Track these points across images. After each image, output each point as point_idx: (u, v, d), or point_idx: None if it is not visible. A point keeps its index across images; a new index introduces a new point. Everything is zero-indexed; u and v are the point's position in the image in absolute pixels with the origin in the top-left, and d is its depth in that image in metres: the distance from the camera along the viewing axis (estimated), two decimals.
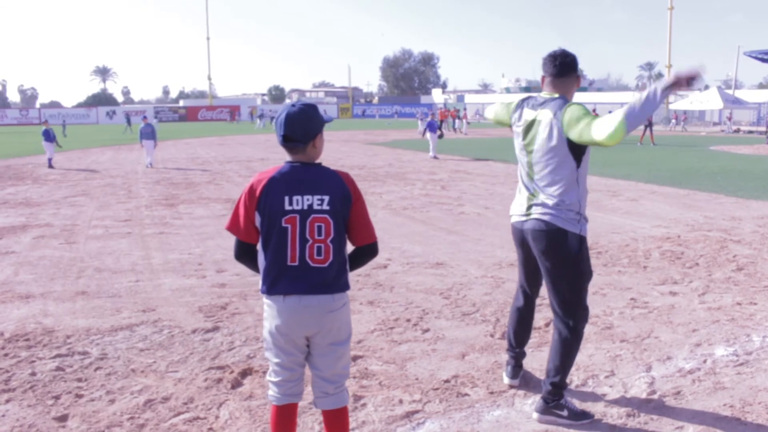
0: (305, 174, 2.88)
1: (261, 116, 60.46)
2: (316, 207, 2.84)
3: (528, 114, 3.86)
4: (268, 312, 2.93)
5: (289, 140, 2.84)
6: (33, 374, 4.49)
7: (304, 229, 2.83)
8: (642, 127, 32.49)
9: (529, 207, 3.86)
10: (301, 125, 2.84)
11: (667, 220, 10.43)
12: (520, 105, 3.99)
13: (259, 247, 2.94)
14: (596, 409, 3.93)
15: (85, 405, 4.03)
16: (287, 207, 2.82)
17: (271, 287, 2.88)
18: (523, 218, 3.92)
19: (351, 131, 46.54)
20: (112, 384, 4.34)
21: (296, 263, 2.84)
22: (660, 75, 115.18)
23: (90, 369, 4.59)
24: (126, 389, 4.25)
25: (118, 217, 11.23)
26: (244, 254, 2.99)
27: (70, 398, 4.12)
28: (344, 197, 2.88)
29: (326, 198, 2.85)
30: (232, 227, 2.94)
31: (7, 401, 4.09)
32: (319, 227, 2.85)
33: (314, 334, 2.91)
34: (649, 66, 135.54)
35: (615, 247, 8.38)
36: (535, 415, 3.81)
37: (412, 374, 4.47)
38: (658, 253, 8.01)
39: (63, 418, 3.86)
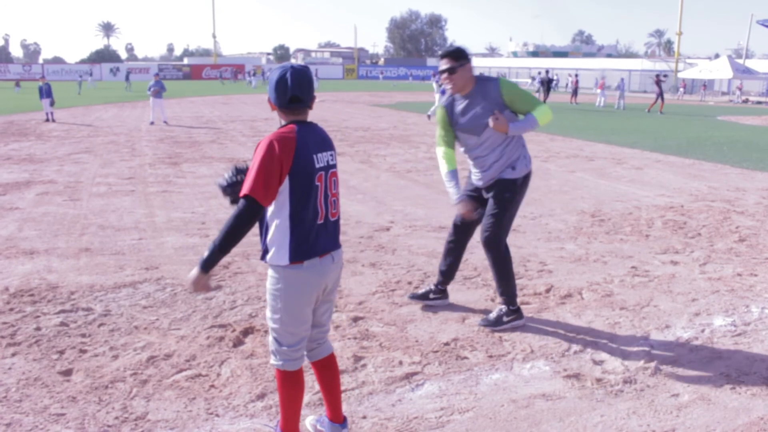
0: (316, 132, 2.92)
1: (254, 75, 60.60)
2: (331, 162, 2.93)
3: None
4: (295, 280, 2.84)
5: (297, 101, 2.83)
6: (38, 329, 4.55)
7: (327, 185, 2.89)
8: (654, 96, 32.12)
9: None
10: (309, 86, 2.86)
11: (671, 189, 10.40)
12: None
13: (274, 214, 2.83)
14: (594, 374, 3.98)
15: (89, 360, 4.09)
16: (317, 166, 2.84)
17: (308, 251, 2.84)
18: None
19: (356, 92, 46.21)
20: (115, 340, 4.39)
21: (323, 221, 2.89)
22: (670, 42, 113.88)
23: (94, 325, 4.64)
24: (129, 345, 4.31)
25: (121, 174, 11.23)
26: (256, 219, 2.81)
27: (75, 353, 4.18)
28: (335, 151, 3.02)
29: (333, 152, 2.98)
30: (257, 192, 2.70)
31: (13, 355, 4.14)
32: (335, 181, 2.96)
33: (329, 287, 3.01)
34: (659, 33, 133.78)
35: (618, 215, 8.38)
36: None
37: (412, 336, 4.51)
38: (661, 222, 8.02)
39: (67, 373, 3.92)
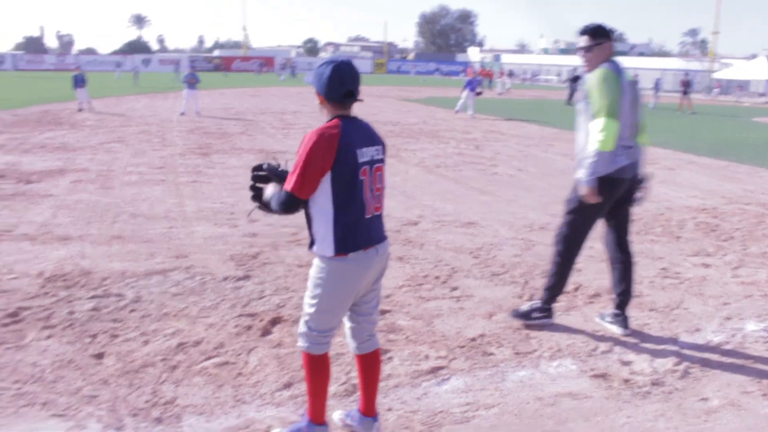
0: (361, 127, 2.95)
1: (284, 68, 61.45)
2: (376, 157, 2.95)
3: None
4: (339, 271, 2.89)
5: (351, 95, 2.87)
6: (71, 313, 4.64)
7: (372, 179, 2.92)
8: (680, 95, 31.68)
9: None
10: (359, 80, 2.91)
11: (704, 190, 10.26)
12: (621, 73, 4.28)
13: (319, 207, 2.87)
14: (621, 375, 3.95)
15: (120, 345, 4.16)
16: (360, 160, 2.86)
17: (352, 244, 2.88)
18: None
19: (385, 87, 46.21)
20: (146, 326, 4.46)
21: (369, 215, 2.93)
22: (705, 42, 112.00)
23: (125, 311, 4.72)
24: (159, 331, 4.37)
25: (152, 164, 11.37)
26: (297, 209, 2.91)
27: (106, 337, 4.25)
28: (384, 146, 3.04)
29: (380, 147, 3.00)
30: (296, 188, 2.80)
31: (48, 337, 4.23)
32: (380, 176, 2.98)
33: (375, 278, 3.06)
34: (694, 32, 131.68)
35: (649, 215, 8.28)
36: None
37: (439, 331, 4.52)
38: (693, 224, 7.91)
39: (100, 356, 3.99)
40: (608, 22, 4.40)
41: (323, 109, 2.95)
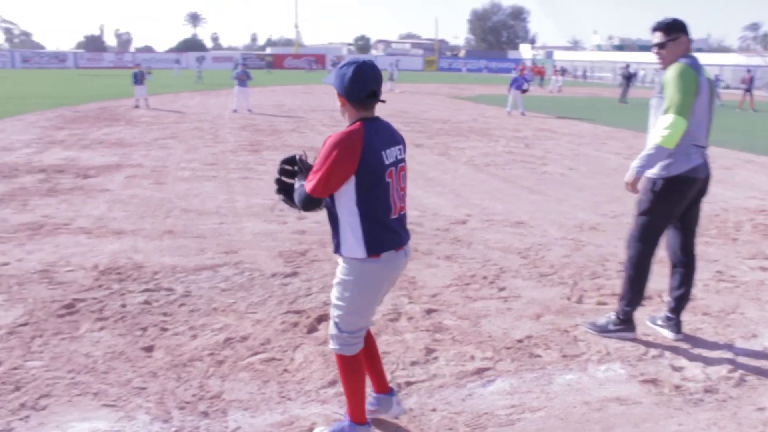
0: (384, 127, 2.93)
1: (333, 65, 62.93)
2: (399, 157, 2.94)
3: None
4: (370, 272, 2.89)
5: (374, 96, 2.85)
6: (123, 306, 4.75)
7: (397, 180, 2.91)
8: (741, 92, 30.67)
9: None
10: (381, 80, 2.89)
11: (763, 191, 9.91)
12: (699, 70, 4.12)
13: (345, 210, 2.86)
14: (672, 381, 3.84)
15: (170, 338, 4.24)
16: (386, 162, 2.85)
17: (384, 244, 2.89)
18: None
19: (436, 84, 46.05)
20: (194, 320, 4.54)
21: (396, 216, 2.92)
22: (767, 37, 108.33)
23: (175, 305, 4.81)
24: (207, 326, 4.44)
25: (204, 160, 11.57)
26: (319, 206, 2.94)
27: (156, 331, 4.34)
28: (405, 144, 3.04)
29: (402, 146, 2.99)
30: (316, 191, 2.81)
31: (101, 329, 4.35)
32: (404, 176, 2.97)
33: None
34: (755, 26, 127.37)
35: (704, 216, 8.00)
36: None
37: (485, 331, 4.47)
38: (750, 226, 7.65)
39: (149, 349, 4.08)
40: (664, 17, 4.25)
41: (345, 111, 2.92)
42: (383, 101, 2.93)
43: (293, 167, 3.07)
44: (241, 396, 3.56)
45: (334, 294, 3.03)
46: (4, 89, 30.76)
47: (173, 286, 5.20)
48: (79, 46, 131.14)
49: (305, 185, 2.85)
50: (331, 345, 3.08)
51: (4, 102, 23.13)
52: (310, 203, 2.88)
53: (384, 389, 3.30)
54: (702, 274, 5.81)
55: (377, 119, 2.91)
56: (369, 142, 2.78)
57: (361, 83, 2.80)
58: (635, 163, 4.11)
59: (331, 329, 3.06)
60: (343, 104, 2.90)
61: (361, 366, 3.10)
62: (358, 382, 3.09)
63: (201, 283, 5.30)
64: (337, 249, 2.95)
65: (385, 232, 2.88)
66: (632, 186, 4.15)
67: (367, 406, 3.26)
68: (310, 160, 3.03)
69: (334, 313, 3.03)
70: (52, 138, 13.99)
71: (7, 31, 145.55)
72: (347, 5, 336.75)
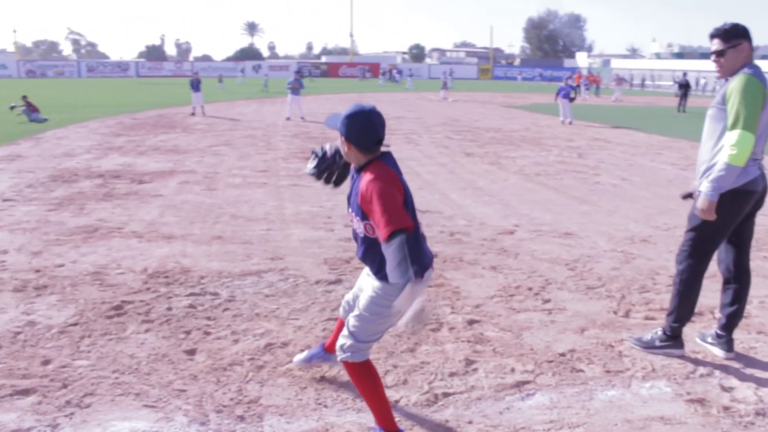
0: (393, 159, 3.04)
1: (383, 74, 64.14)
2: (407, 185, 3.06)
3: None
4: (411, 293, 2.81)
5: (381, 143, 2.95)
6: (169, 309, 4.85)
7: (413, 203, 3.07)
8: None
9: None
10: (385, 126, 3.02)
11: None
12: (765, 81, 3.89)
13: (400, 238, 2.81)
14: (721, 401, 3.70)
15: (212, 342, 4.31)
16: (409, 187, 3.02)
17: (425, 264, 3.03)
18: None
19: (490, 93, 45.77)
20: (237, 325, 4.60)
21: (422, 235, 3.12)
22: None
23: (219, 309, 4.89)
24: (249, 331, 4.50)
25: (256, 167, 11.75)
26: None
27: (199, 334, 4.42)
28: None
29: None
30: (405, 220, 2.78)
31: (146, 331, 4.45)
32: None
33: None
34: None
35: (762, 229, 7.75)
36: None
37: (527, 344, 4.40)
38: None
39: (192, 352, 4.15)
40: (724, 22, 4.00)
41: (351, 155, 3.00)
42: (387, 146, 3.02)
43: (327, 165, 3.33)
44: (278, 401, 3.58)
45: (362, 306, 3.05)
46: (69, 98, 31.95)
47: (218, 290, 5.28)
48: (141, 55, 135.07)
49: (386, 232, 2.72)
50: (342, 355, 3.11)
51: (69, 110, 24.01)
52: (405, 240, 2.75)
53: (331, 350, 3.63)
54: (758, 290, 5.59)
55: (388, 153, 3.02)
56: (396, 171, 2.95)
57: (371, 132, 2.91)
58: (705, 188, 3.90)
59: (346, 339, 3.09)
60: (349, 148, 2.97)
61: (372, 370, 3.14)
62: (375, 388, 3.11)
63: (246, 288, 5.37)
64: (381, 275, 2.95)
65: (422, 252, 3.01)
66: (709, 212, 3.91)
67: (311, 353, 3.79)
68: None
69: (354, 323, 3.07)
70: (110, 144, 14.44)
71: (75, 42, 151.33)
72: (402, 14, 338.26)
